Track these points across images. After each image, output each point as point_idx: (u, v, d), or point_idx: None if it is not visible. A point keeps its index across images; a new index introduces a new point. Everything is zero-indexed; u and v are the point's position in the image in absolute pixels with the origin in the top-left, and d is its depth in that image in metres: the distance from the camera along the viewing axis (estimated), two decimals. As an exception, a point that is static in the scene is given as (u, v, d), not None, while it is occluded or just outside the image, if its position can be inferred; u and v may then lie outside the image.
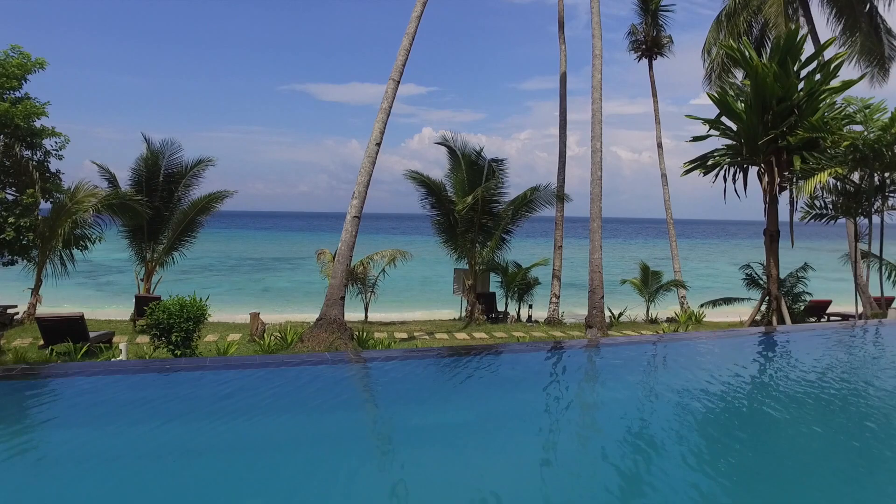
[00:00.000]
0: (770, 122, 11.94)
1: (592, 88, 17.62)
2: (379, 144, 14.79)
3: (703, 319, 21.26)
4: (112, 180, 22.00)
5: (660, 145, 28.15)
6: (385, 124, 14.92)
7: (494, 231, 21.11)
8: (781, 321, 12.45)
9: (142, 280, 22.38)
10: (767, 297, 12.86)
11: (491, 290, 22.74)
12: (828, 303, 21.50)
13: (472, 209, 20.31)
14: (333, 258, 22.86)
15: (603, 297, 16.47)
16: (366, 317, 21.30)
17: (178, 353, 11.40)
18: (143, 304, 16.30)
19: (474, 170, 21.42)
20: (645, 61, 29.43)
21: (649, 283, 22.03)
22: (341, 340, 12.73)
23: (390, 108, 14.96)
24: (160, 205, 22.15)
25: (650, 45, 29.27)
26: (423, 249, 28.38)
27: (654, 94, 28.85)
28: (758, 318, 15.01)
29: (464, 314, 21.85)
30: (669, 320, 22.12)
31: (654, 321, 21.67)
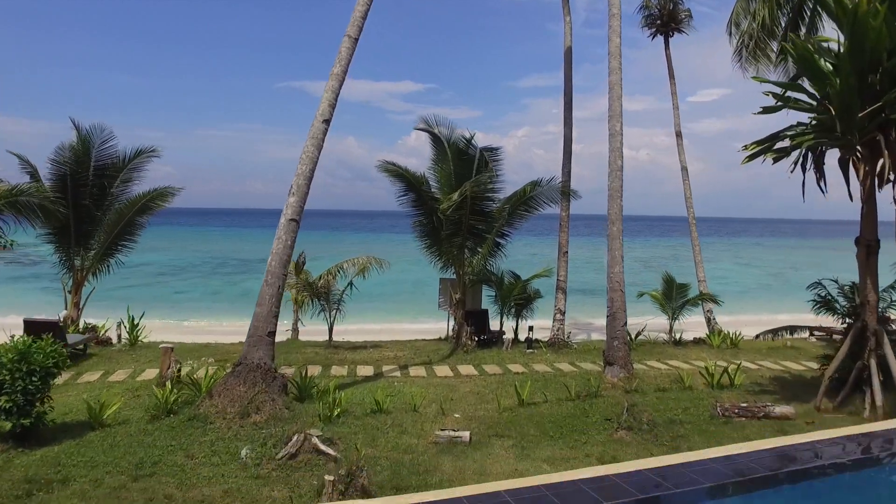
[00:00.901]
0: (878, 86, 8.37)
1: (610, 56, 13.94)
2: (328, 121, 10.98)
3: (740, 342, 17.63)
4: (34, 174, 18.81)
5: (679, 134, 24.43)
6: (337, 95, 11.11)
7: (487, 234, 17.39)
8: (885, 369, 8.83)
9: (69, 293, 18.83)
10: (860, 333, 9.27)
11: (484, 304, 19.12)
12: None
13: (459, 208, 16.59)
14: (295, 266, 19.14)
15: (626, 323, 12.82)
16: (330, 338, 17.60)
17: (12, 423, 7.72)
18: (33, 331, 12.42)
19: (463, 161, 17.71)
20: (660, 40, 25.72)
21: (673, 297, 18.31)
22: (267, 395, 9.02)
23: (344, 73, 11.15)
24: (90, 203, 18.92)
25: (666, 19, 25.46)
26: (419, 250, 25.15)
27: (672, 76, 25.09)
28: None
29: (451, 333, 18.23)
30: (697, 341, 18.49)
31: (678, 342, 18.02)
